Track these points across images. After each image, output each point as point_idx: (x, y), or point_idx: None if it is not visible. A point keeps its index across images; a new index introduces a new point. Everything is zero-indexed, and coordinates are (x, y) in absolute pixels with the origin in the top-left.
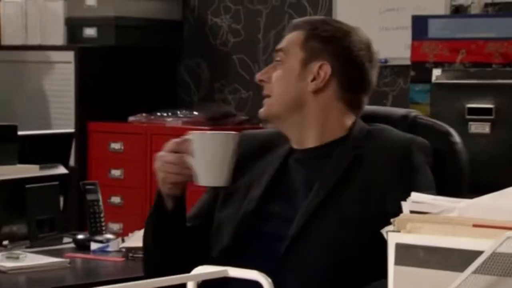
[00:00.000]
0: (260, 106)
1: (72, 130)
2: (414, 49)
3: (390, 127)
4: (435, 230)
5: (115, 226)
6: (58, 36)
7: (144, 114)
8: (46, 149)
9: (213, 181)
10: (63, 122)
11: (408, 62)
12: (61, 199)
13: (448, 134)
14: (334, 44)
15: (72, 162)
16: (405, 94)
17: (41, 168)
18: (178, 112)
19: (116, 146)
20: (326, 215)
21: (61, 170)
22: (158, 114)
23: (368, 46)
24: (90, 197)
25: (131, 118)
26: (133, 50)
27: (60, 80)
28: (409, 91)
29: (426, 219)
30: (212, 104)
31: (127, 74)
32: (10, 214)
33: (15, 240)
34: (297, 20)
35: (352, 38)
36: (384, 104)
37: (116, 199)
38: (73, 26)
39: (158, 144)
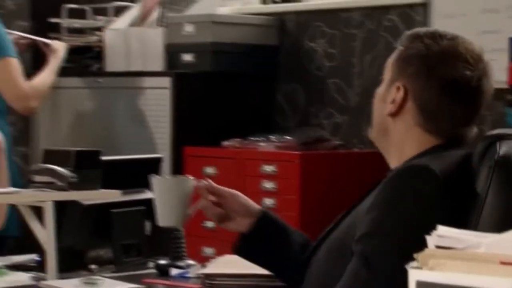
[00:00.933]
0: (355, 130)
1: (160, 155)
2: (511, 72)
3: (452, 153)
4: (460, 267)
5: (209, 251)
6: (158, 63)
7: (238, 139)
8: (134, 173)
9: (167, 222)
10: (160, 147)
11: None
12: (148, 223)
13: None
14: (415, 63)
15: None
16: (504, 118)
17: (126, 193)
18: (271, 137)
19: (210, 170)
20: (326, 241)
21: (148, 195)
22: (252, 139)
23: (470, 64)
24: None
25: (225, 143)
26: (229, 75)
27: (157, 105)
28: (507, 115)
29: (450, 255)
30: (306, 129)
31: (222, 99)
32: (97, 239)
33: (102, 264)
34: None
35: (446, 58)
36: (481, 129)
37: (209, 223)
38: (172, 52)
39: (250, 168)
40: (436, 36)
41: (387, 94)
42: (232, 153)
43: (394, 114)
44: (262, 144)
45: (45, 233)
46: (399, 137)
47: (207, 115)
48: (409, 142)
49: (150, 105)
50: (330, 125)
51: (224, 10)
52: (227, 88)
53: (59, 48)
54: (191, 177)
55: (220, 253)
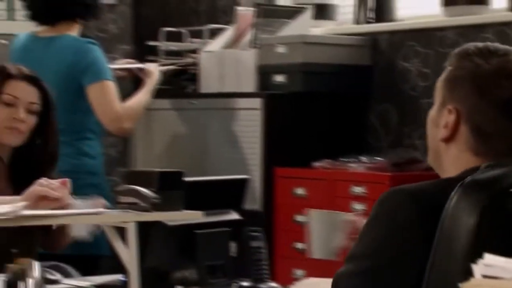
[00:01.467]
0: None
1: (247, 176)
2: None
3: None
4: None
5: (299, 272)
6: (250, 84)
7: (328, 160)
8: (221, 194)
9: (322, 254)
10: (251, 168)
11: None
12: (234, 245)
13: None
14: (466, 85)
15: (258, 207)
16: None
17: (211, 214)
18: (363, 158)
19: (300, 191)
20: None
21: (233, 216)
22: (343, 159)
23: None
24: (254, 243)
25: (315, 164)
26: (321, 96)
27: (248, 126)
28: None
29: (497, 285)
30: (398, 150)
31: (313, 119)
32: (181, 260)
33: (187, 285)
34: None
35: (499, 77)
36: None
37: (300, 245)
38: (264, 73)
39: (340, 190)
40: (486, 54)
41: (439, 118)
42: (322, 174)
43: (448, 140)
44: (352, 165)
45: (128, 254)
46: (450, 163)
47: (298, 136)
48: (458, 168)
49: (242, 126)
50: (423, 146)
51: (317, 31)
52: (318, 109)
53: (153, 70)
54: (346, 213)
55: (310, 275)
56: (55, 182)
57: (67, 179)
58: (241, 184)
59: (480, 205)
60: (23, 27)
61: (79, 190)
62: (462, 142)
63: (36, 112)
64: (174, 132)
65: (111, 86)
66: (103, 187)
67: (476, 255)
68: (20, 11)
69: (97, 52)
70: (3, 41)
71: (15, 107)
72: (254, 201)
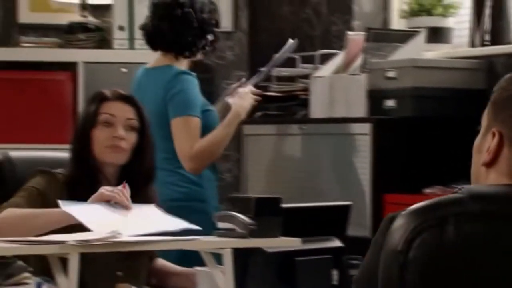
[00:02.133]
0: None
1: (349, 202)
2: None
3: None
4: None
5: None
6: (360, 109)
7: (439, 186)
8: (323, 221)
9: None
10: (359, 194)
11: None
12: (336, 272)
13: None
14: (509, 106)
15: (368, 234)
16: None
17: (312, 241)
18: None
19: None
20: None
21: (335, 243)
22: (455, 186)
23: None
24: (354, 272)
25: (426, 190)
26: (432, 121)
27: (357, 151)
28: None
29: None
30: None
31: (424, 145)
32: (282, 287)
33: None
34: None
35: None
36: None
37: None
38: (374, 98)
39: None
40: None
41: (483, 143)
42: None
43: (489, 164)
44: None
45: (225, 280)
46: None
47: (408, 162)
48: None
49: (351, 151)
50: None
51: (430, 55)
52: (429, 134)
53: (237, 105)
54: None
55: None
56: (119, 187)
57: (126, 184)
58: (344, 211)
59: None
60: (143, 56)
61: (188, 217)
62: (503, 166)
63: (135, 128)
64: (283, 157)
65: (191, 123)
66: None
67: None
68: (140, 41)
69: (188, 84)
70: (124, 70)
71: (113, 126)
72: (363, 228)
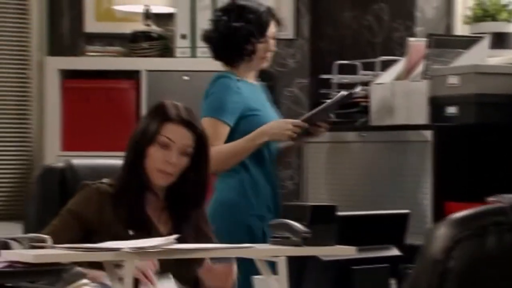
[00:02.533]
0: None
1: (407, 211)
2: None
3: None
4: None
5: None
6: (421, 116)
7: (503, 195)
8: (380, 229)
9: None
10: (420, 202)
11: None
12: (394, 282)
13: None
14: None
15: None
16: None
17: (369, 250)
18: None
19: None
20: None
21: (393, 252)
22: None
23: None
24: None
25: (489, 199)
26: (495, 128)
27: (418, 159)
28: None
29: None
30: None
31: (487, 152)
32: None
33: None
34: None
35: None
36: None
37: None
38: (436, 105)
39: None
40: None
41: None
42: None
43: None
44: None
45: None
46: None
47: (470, 169)
48: None
49: (412, 159)
50: None
51: (494, 61)
52: (492, 141)
53: (268, 126)
54: None
55: None
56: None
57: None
58: (403, 219)
59: None
60: (205, 64)
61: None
62: None
63: (189, 154)
64: (343, 165)
65: (215, 125)
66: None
67: None
68: (202, 49)
69: (221, 87)
70: (185, 78)
71: (169, 149)
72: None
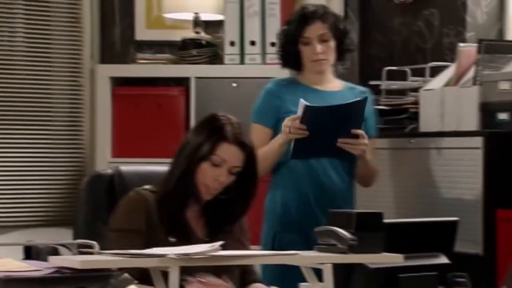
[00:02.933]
0: None
1: (456, 218)
2: None
3: None
4: None
5: None
6: (472, 122)
7: None
8: (428, 237)
9: None
10: (470, 209)
11: None
12: None
13: None
14: None
15: (480, 251)
16: None
17: (416, 258)
18: None
19: None
20: None
21: (441, 259)
22: None
23: None
24: None
25: None
26: None
27: (468, 166)
28: None
29: None
30: None
31: None
32: None
33: None
34: None
35: None
36: None
37: None
38: (486, 111)
39: None
40: None
41: None
42: None
43: None
44: None
45: None
46: None
47: None
48: None
49: (462, 166)
50: None
51: None
52: None
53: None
54: None
55: None
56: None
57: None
58: (451, 227)
59: None
60: (253, 71)
61: None
62: None
63: (235, 173)
64: (392, 172)
65: (252, 129)
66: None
67: None
68: (250, 55)
69: (261, 93)
70: (234, 84)
71: (219, 167)
72: (475, 244)
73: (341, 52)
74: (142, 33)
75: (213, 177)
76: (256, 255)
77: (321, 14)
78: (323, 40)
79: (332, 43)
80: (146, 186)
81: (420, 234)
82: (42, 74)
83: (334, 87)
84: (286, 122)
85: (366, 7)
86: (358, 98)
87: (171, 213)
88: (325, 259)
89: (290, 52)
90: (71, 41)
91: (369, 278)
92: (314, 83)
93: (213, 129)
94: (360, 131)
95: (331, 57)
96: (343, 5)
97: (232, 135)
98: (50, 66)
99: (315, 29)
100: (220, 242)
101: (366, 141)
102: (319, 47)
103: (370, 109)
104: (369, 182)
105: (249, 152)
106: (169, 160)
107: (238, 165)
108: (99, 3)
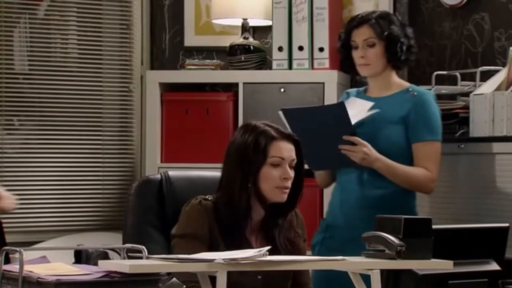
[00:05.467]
0: None
1: (507, 224)
2: None
3: None
4: None
5: None
6: None
7: None
8: (477, 243)
9: None
10: None
11: None
12: None
13: None
14: None
15: None
16: None
17: (466, 264)
18: None
19: None
20: None
21: (492, 266)
22: None
23: None
24: None
25: None
26: None
27: None
28: None
29: None
30: None
31: None
32: None
33: None
34: None
35: None
36: None
37: None
38: None
39: None
40: None
41: None
42: None
43: None
44: None
45: None
46: None
47: None
48: None
49: (510, 171)
50: None
51: None
52: None
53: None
54: None
55: None
56: None
57: None
58: (502, 233)
59: None
60: (301, 76)
61: None
62: None
63: (294, 167)
64: (442, 177)
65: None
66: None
67: None
68: (298, 61)
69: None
70: (282, 90)
71: (281, 166)
72: None
73: (390, 58)
74: (191, 39)
75: (280, 176)
76: (304, 261)
77: (369, 18)
78: (368, 45)
79: (378, 49)
80: (207, 197)
81: (470, 240)
82: (94, 81)
83: (390, 92)
84: None
85: (415, 11)
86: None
87: (235, 224)
88: (373, 265)
89: (344, 56)
90: (121, 48)
91: (418, 285)
92: (373, 90)
93: (258, 135)
94: (353, 138)
95: (377, 62)
96: (392, 9)
97: (276, 133)
98: (101, 73)
99: (361, 34)
100: (268, 247)
101: (364, 148)
102: (361, 52)
103: (416, 112)
104: (414, 189)
105: (296, 143)
106: (217, 165)
107: (294, 157)
108: (149, 10)
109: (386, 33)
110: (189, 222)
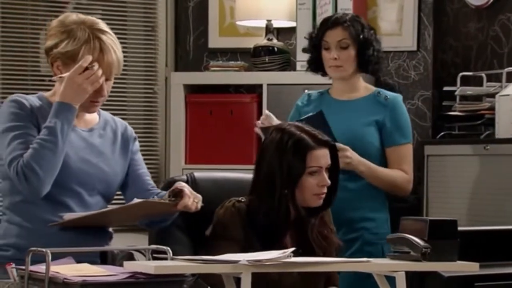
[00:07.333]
0: None
1: None
2: None
3: None
4: None
5: None
6: None
7: None
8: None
9: None
10: None
11: None
12: None
13: None
14: None
15: None
16: None
17: (492, 266)
18: None
19: None
20: None
21: None
22: None
23: None
24: None
25: None
26: None
27: None
28: None
29: None
30: None
31: None
32: None
33: None
34: None
35: None
36: None
37: None
38: None
39: None
40: None
41: None
42: None
43: None
44: None
45: None
46: None
47: None
48: None
49: None
50: None
51: None
52: None
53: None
54: None
55: None
56: None
57: None
58: None
59: None
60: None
61: None
62: None
63: (329, 168)
64: (467, 179)
65: None
66: None
67: None
68: None
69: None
70: (306, 91)
71: (318, 174)
72: None
73: (362, 62)
74: (215, 40)
75: (318, 184)
76: (329, 262)
77: (344, 20)
78: (342, 47)
79: (352, 51)
80: (240, 199)
81: (496, 242)
82: (118, 82)
83: (358, 95)
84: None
85: (440, 12)
86: (313, 113)
87: (271, 232)
88: (399, 267)
89: (314, 56)
90: (146, 49)
91: (444, 287)
92: (338, 92)
93: (295, 145)
94: (337, 144)
95: (349, 65)
96: (417, 10)
97: (313, 140)
98: (126, 75)
99: (335, 34)
100: (292, 249)
101: (346, 152)
102: (334, 53)
103: (391, 117)
104: (393, 191)
105: (331, 146)
106: (241, 166)
107: (329, 162)
108: (174, 12)
109: (361, 36)
110: (223, 224)
